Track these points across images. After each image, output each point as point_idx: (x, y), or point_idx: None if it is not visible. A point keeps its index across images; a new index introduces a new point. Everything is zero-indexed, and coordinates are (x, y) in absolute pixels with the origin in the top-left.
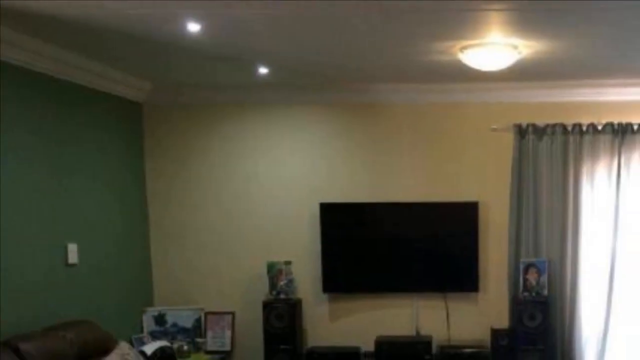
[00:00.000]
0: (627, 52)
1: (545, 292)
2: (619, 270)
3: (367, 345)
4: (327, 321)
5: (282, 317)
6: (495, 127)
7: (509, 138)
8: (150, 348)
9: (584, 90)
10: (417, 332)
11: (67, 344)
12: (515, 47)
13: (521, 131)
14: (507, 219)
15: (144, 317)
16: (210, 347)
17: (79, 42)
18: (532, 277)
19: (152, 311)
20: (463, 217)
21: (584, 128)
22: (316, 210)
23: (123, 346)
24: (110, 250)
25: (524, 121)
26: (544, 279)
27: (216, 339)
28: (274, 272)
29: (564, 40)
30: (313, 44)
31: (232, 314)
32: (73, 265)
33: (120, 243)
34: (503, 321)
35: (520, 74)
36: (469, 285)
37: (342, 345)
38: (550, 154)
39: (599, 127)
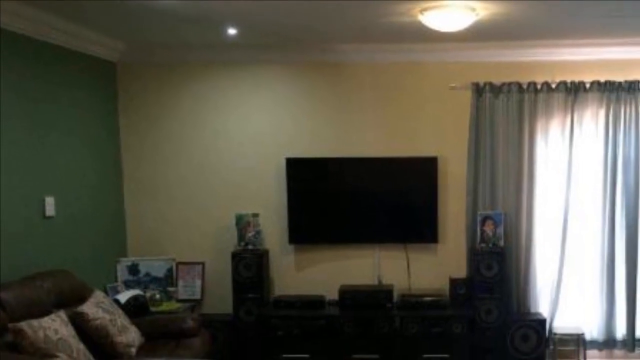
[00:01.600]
0: (579, 14)
1: (502, 243)
2: (572, 222)
3: (331, 293)
4: (293, 271)
5: (250, 267)
6: (453, 85)
7: (467, 96)
8: (124, 296)
9: (538, 50)
10: (379, 281)
11: (44, 292)
12: (473, 9)
13: (478, 89)
14: (465, 173)
15: (118, 267)
16: (181, 296)
17: (55, 4)
18: (488, 228)
19: (126, 261)
20: (423, 172)
21: (539, 86)
22: (282, 165)
23: (98, 295)
24: (85, 203)
25: (481, 80)
26: (500, 230)
27: (187, 287)
28: (242, 224)
29: (520, 3)
30: (280, 6)
31: (202, 264)
32: (50, 217)
33: (95, 196)
34: (461, 271)
35: (477, 34)
36: (429, 236)
37: (307, 294)
38: (506, 111)
39: (553, 86)
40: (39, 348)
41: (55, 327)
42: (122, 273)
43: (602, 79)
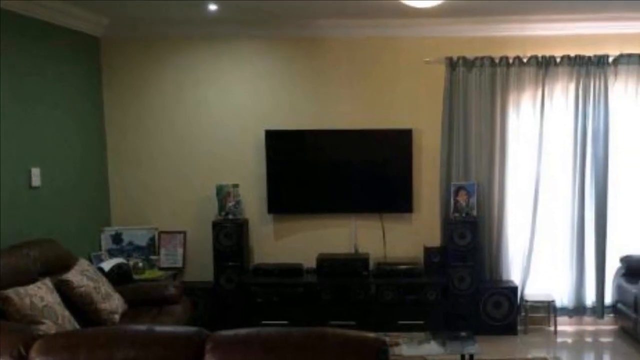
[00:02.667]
0: None
1: (474, 212)
2: (542, 192)
3: (309, 262)
4: (272, 240)
5: (230, 236)
6: (428, 59)
7: (441, 70)
8: (107, 265)
9: (510, 26)
10: (356, 250)
11: (30, 261)
12: None
13: (452, 63)
14: (439, 145)
15: (102, 236)
16: (163, 264)
17: None
18: (462, 199)
19: (110, 230)
20: (398, 143)
21: (511, 61)
22: (261, 137)
23: (82, 263)
24: (70, 174)
25: (455, 54)
26: (473, 200)
27: (169, 256)
28: (223, 194)
29: None
30: None
31: (184, 233)
32: (36, 188)
33: (80, 167)
34: (435, 240)
35: (451, 10)
36: (404, 206)
37: (285, 262)
38: (479, 85)
39: (524, 60)
40: (25, 315)
41: (41, 294)
42: (106, 242)
43: (572, 54)
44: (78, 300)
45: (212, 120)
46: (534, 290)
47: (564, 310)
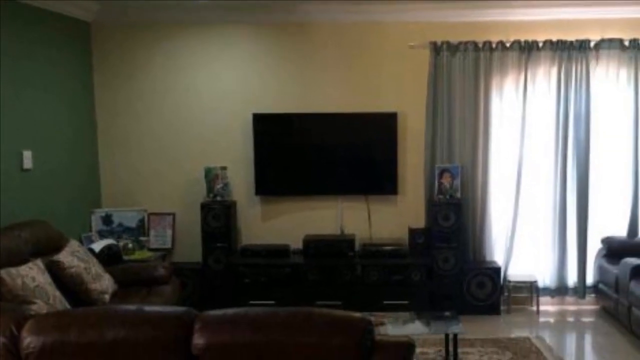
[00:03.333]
0: None
1: (458, 194)
2: (525, 175)
3: (296, 243)
4: (259, 221)
5: (218, 217)
6: (412, 44)
7: (425, 54)
8: (98, 246)
9: (493, 11)
10: (342, 231)
11: (22, 242)
12: None
13: (436, 48)
14: (423, 128)
15: (92, 218)
16: (152, 245)
17: None
18: (446, 181)
19: (100, 212)
20: (383, 126)
21: (494, 45)
22: (249, 120)
23: (73, 244)
24: (61, 156)
25: (439, 39)
26: (457, 182)
27: (158, 237)
28: (211, 176)
29: None
30: None
31: (173, 214)
32: (28, 170)
33: (70, 149)
34: (420, 221)
35: None
36: (389, 188)
37: (273, 243)
38: (462, 69)
39: (507, 45)
40: (17, 295)
41: (32, 274)
42: (96, 223)
43: (554, 38)
44: (69, 281)
45: (201, 104)
46: (516, 270)
47: (546, 291)
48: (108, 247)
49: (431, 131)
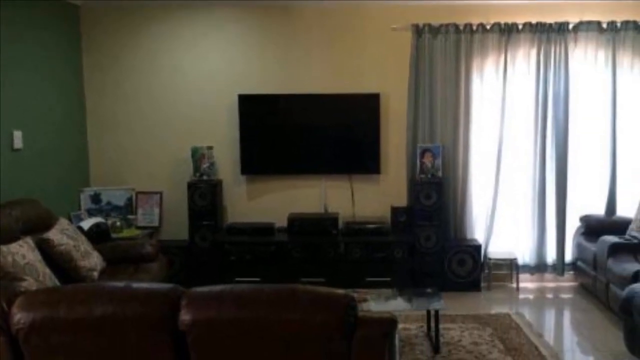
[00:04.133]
0: None
1: (440, 174)
2: (505, 154)
3: (281, 221)
4: (245, 200)
5: (204, 196)
6: (394, 26)
7: (407, 37)
8: (87, 224)
9: None
10: (325, 210)
11: (12, 220)
12: None
13: (418, 30)
14: (405, 108)
15: (81, 196)
16: (140, 223)
17: None
18: (427, 160)
19: (89, 191)
20: (366, 107)
21: (474, 27)
22: (235, 101)
23: (63, 222)
24: (51, 136)
25: (421, 21)
26: (439, 162)
27: (146, 215)
28: (198, 156)
29: None
30: None
31: (160, 193)
32: (18, 150)
33: (60, 130)
34: (402, 200)
35: None
36: (372, 167)
37: (258, 222)
38: (444, 51)
39: (488, 27)
40: (7, 272)
41: (22, 252)
42: (85, 202)
43: (534, 21)
44: (58, 258)
45: (187, 85)
46: (497, 248)
47: (526, 268)
48: (97, 225)
49: (413, 112)
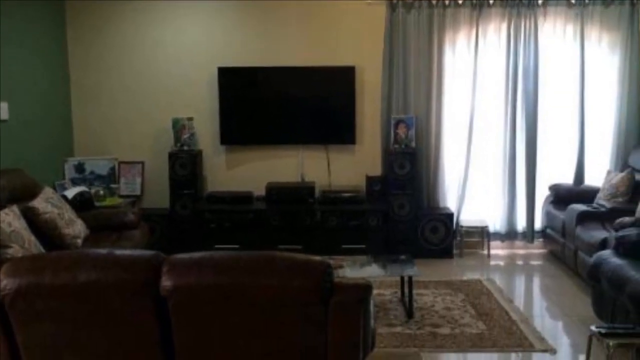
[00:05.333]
0: None
1: (413, 144)
2: (477, 125)
3: (259, 190)
4: (224, 169)
5: (185, 166)
6: (369, 1)
7: (382, 11)
8: (71, 193)
9: None
10: (302, 179)
11: None
12: None
13: (392, 5)
14: (380, 81)
15: (66, 166)
16: (123, 192)
17: None
18: (401, 131)
19: (73, 161)
20: (342, 80)
21: (447, 2)
22: (214, 73)
23: (47, 191)
24: (36, 108)
25: None
26: (412, 133)
27: (128, 184)
28: (178, 126)
29: None
30: None
31: (142, 163)
32: (4, 121)
33: (45, 101)
34: (376, 169)
35: None
36: (347, 138)
37: (237, 190)
38: (417, 25)
39: (460, 2)
40: None
41: (8, 220)
42: (69, 171)
43: None
44: (43, 226)
45: (169, 57)
46: (468, 216)
47: (497, 235)
48: (80, 194)
49: (387, 84)
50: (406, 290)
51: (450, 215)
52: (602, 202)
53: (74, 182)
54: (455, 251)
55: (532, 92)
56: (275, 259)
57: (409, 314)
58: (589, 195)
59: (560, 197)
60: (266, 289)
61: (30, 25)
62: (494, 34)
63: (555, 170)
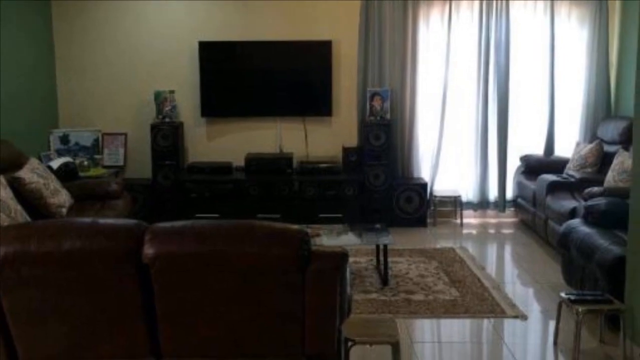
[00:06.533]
0: None
1: (388, 116)
2: (450, 97)
3: (239, 161)
4: (205, 141)
5: (167, 137)
6: None
7: None
8: (56, 163)
9: None
10: (281, 150)
11: None
12: None
13: None
14: (356, 54)
15: (51, 137)
16: (106, 163)
17: None
18: (377, 103)
19: (58, 132)
20: (319, 53)
21: None
22: (195, 47)
23: (33, 162)
24: (22, 81)
25: None
26: (387, 105)
27: (111, 155)
28: (160, 99)
29: None
30: None
31: (125, 134)
32: None
33: (31, 75)
34: (352, 141)
35: None
36: (324, 110)
37: (217, 161)
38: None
39: None
40: None
41: None
42: (54, 142)
43: None
44: (29, 196)
45: (151, 32)
46: (442, 186)
47: (469, 205)
48: (65, 165)
49: (363, 57)
50: (381, 258)
51: (424, 185)
52: (572, 172)
53: (59, 153)
54: (429, 220)
55: (504, 66)
56: (255, 227)
57: (384, 281)
58: (558, 165)
59: (531, 167)
60: (245, 256)
61: (16, 2)
62: (467, 9)
63: (526, 141)
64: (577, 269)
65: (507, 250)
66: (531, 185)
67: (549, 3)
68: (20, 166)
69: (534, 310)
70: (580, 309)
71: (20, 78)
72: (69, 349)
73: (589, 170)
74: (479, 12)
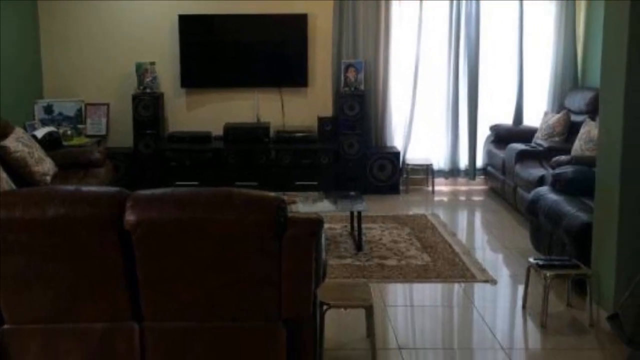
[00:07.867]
0: None
1: (362, 87)
2: (422, 68)
3: (217, 130)
4: (185, 111)
5: (148, 107)
6: None
7: None
8: (40, 132)
9: None
10: (258, 120)
11: None
12: None
13: None
14: (331, 27)
15: (35, 107)
16: (89, 132)
17: None
18: (351, 75)
19: (42, 102)
20: (295, 26)
21: None
22: (175, 20)
23: (18, 131)
24: (8, 54)
25: None
26: (361, 76)
27: (94, 125)
28: (141, 70)
29: None
30: None
31: (107, 105)
32: None
33: (16, 47)
34: (327, 111)
35: None
36: (300, 81)
37: (196, 130)
38: None
39: None
40: None
41: None
42: (38, 112)
43: None
44: (14, 164)
45: (132, 5)
46: (414, 154)
47: (441, 173)
48: (49, 134)
49: (338, 30)
50: (355, 224)
51: (397, 153)
52: (540, 141)
53: (43, 123)
54: (401, 187)
55: (474, 38)
56: (232, 195)
57: (358, 246)
58: (527, 135)
59: (501, 136)
60: (224, 223)
61: None
62: None
63: (496, 111)
64: (545, 235)
65: (477, 216)
66: (500, 154)
67: None
68: (5, 135)
69: (503, 275)
70: (548, 274)
71: (5, 50)
72: (54, 313)
73: (557, 139)
74: None
